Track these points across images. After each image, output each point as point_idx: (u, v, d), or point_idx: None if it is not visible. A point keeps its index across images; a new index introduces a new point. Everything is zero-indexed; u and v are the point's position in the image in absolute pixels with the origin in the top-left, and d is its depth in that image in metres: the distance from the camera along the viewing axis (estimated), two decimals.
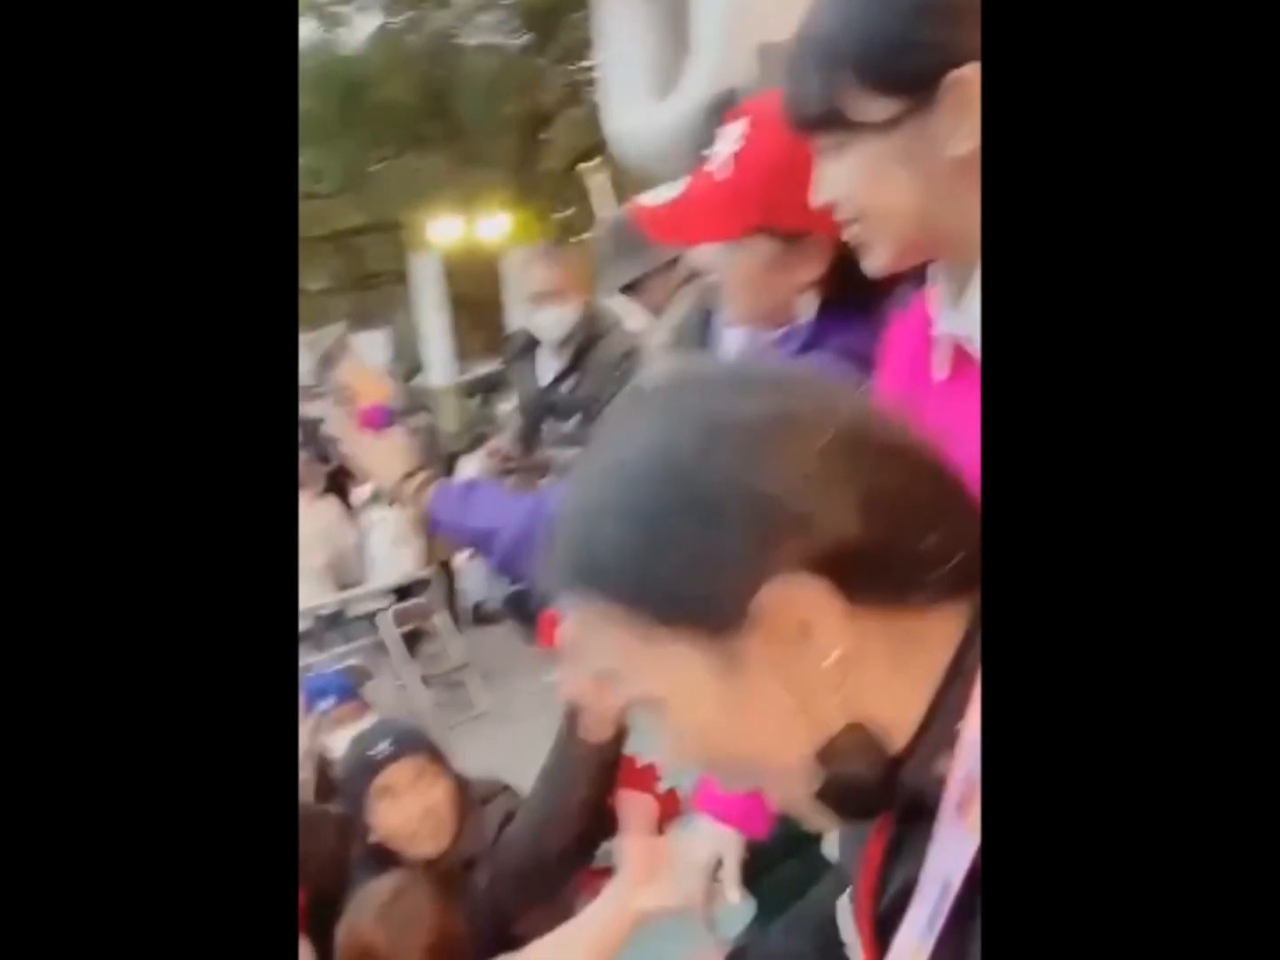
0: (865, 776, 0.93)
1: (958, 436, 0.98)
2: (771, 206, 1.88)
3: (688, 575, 0.90)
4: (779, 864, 2.38)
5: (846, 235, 1.54)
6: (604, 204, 10.57)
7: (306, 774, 3.36)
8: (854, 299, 1.88)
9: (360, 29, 19.78)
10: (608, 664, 0.97)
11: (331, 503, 8.61)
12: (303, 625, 7.31)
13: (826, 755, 0.93)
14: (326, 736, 3.82)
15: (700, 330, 2.83)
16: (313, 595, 7.68)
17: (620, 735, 2.44)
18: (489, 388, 11.69)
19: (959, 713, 0.90)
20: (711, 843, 2.08)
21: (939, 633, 0.93)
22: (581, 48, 15.42)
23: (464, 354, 13.80)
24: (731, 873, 2.07)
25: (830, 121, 1.44)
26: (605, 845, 2.50)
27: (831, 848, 2.18)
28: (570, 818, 2.49)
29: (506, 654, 7.87)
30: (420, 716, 6.98)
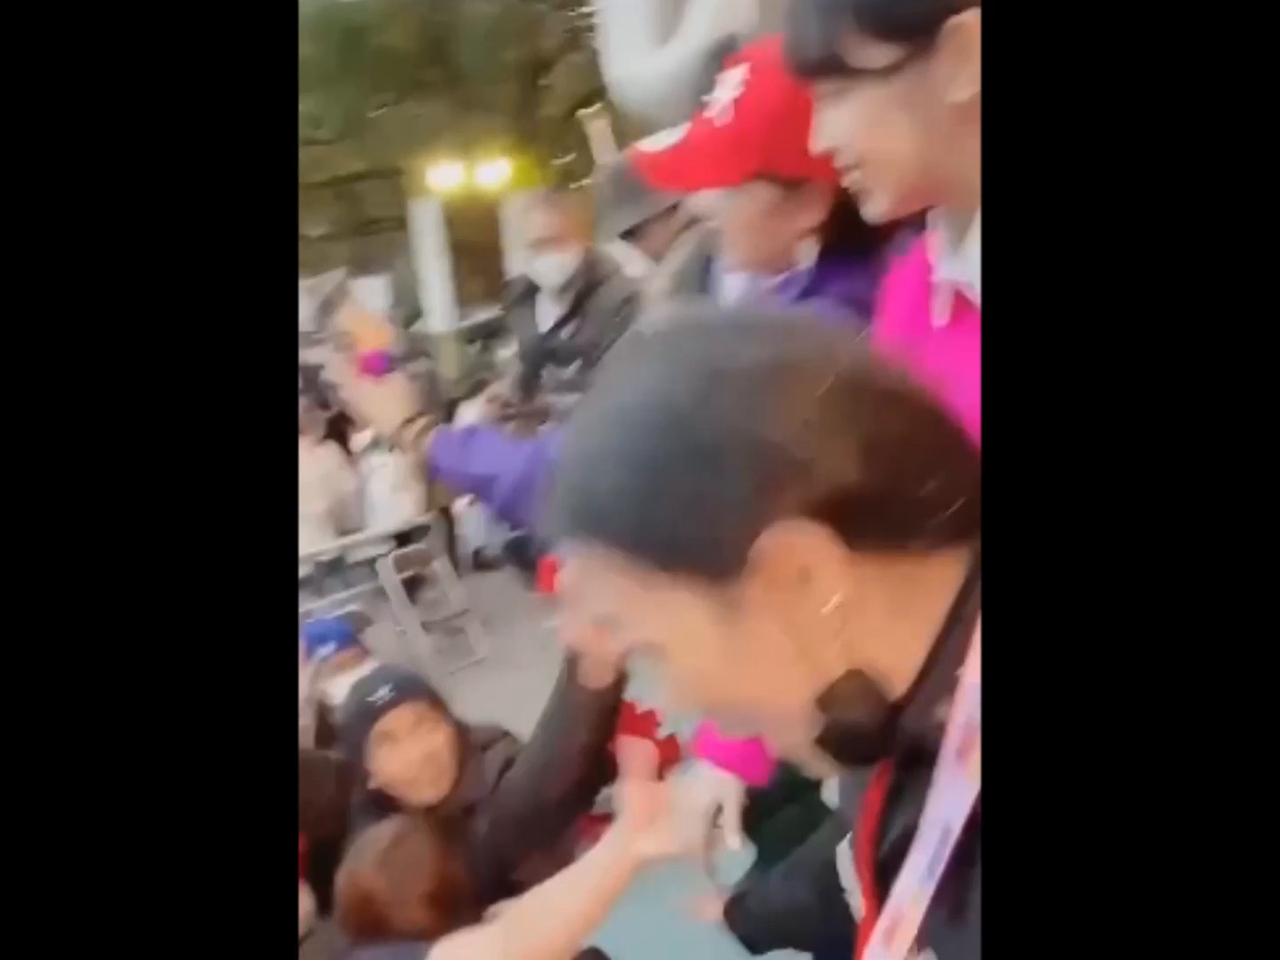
0: (865, 722, 0.93)
1: (958, 382, 0.98)
2: (772, 152, 1.87)
3: (687, 521, 0.90)
4: (779, 810, 2.40)
5: (847, 181, 1.54)
6: (604, 150, 10.53)
7: (306, 720, 3.36)
8: (854, 245, 1.88)
9: None
10: (608, 610, 0.97)
11: (331, 449, 8.64)
12: (303, 571, 7.34)
13: (826, 701, 0.93)
14: (326, 682, 3.82)
15: (700, 276, 2.81)
16: (313, 541, 7.72)
17: (620, 681, 2.44)
18: (489, 334, 11.72)
19: (959, 659, 0.90)
20: (712, 788, 2.09)
21: (939, 579, 0.93)
22: None
23: (464, 300, 13.80)
24: (731, 819, 2.08)
25: (830, 68, 1.44)
26: (605, 791, 2.50)
27: (832, 794, 2.19)
28: (570, 764, 2.49)
29: (506, 600, 7.91)
30: (420, 662, 7.02)
